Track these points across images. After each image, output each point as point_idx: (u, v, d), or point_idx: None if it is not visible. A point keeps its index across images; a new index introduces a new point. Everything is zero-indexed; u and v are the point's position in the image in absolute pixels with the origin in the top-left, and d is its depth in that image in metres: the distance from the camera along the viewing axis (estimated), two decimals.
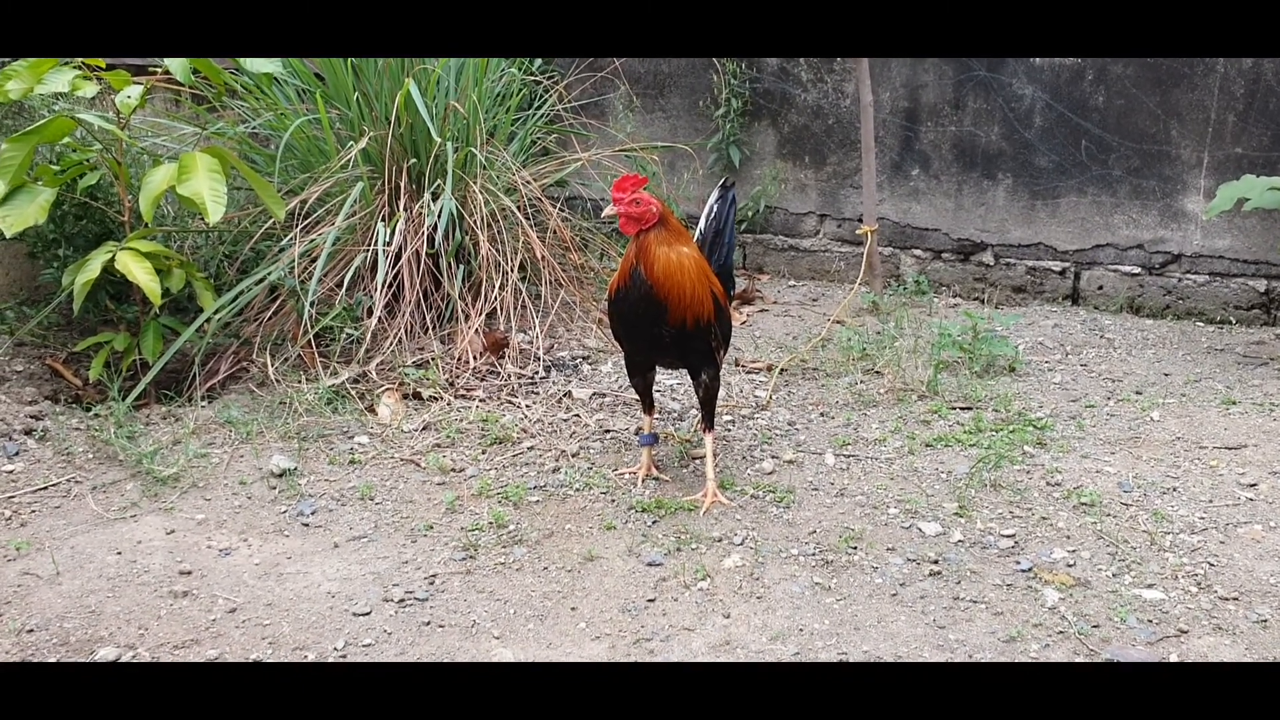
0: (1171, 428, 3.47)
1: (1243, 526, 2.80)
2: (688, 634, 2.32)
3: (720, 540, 2.72)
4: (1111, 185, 4.77)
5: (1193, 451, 3.28)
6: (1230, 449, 3.28)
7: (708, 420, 2.98)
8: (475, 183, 4.09)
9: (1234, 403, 3.67)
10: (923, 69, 5.00)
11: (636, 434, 3.40)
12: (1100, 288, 4.90)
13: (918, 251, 5.22)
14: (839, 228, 5.34)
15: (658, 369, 3.15)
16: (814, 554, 2.65)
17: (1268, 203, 3.93)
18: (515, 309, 4.00)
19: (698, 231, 3.06)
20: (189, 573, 2.56)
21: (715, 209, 3.09)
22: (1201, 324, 4.70)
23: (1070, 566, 2.61)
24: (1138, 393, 3.81)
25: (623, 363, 4.00)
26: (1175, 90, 4.58)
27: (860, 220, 5.23)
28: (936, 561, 2.62)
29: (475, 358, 3.84)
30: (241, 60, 3.47)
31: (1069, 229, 4.90)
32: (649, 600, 2.45)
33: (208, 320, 3.56)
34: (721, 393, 3.39)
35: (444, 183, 3.92)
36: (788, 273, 5.48)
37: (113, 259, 3.30)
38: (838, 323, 4.62)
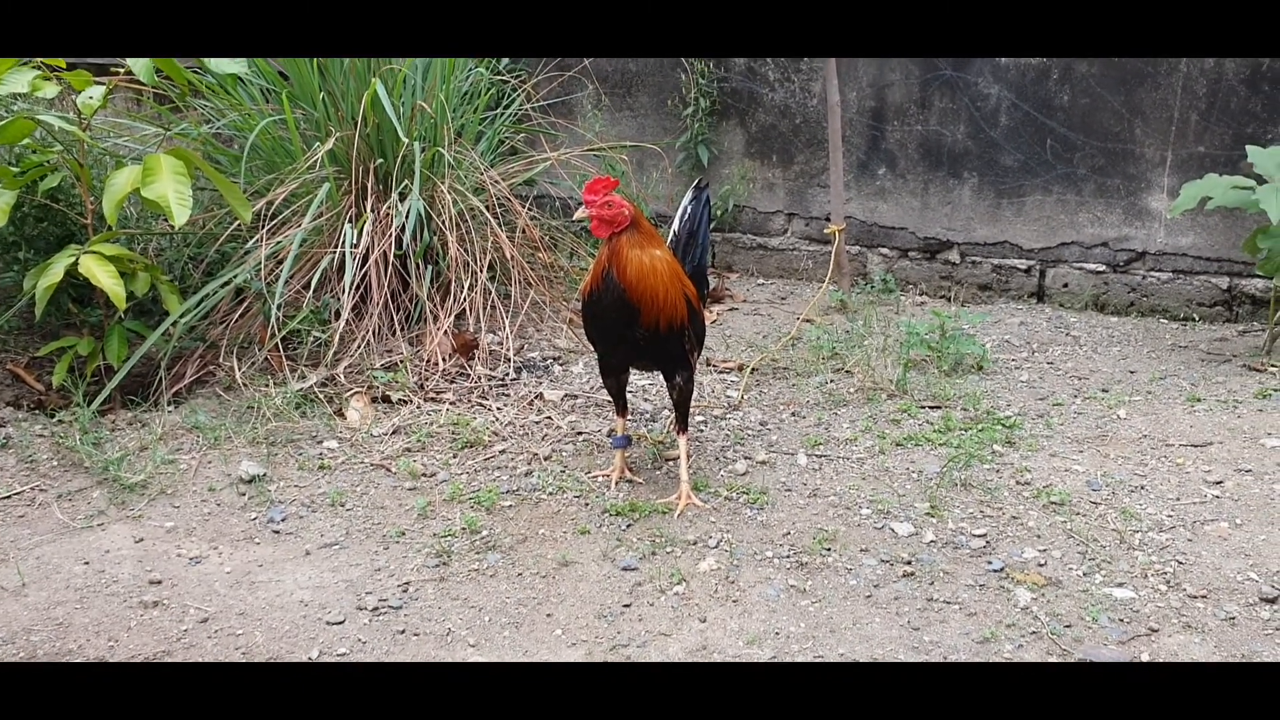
0: (1138, 425, 3.50)
1: (1210, 524, 2.83)
2: (664, 639, 2.32)
3: (695, 543, 2.72)
4: (1076, 184, 4.82)
5: (1159, 449, 3.31)
6: (1196, 446, 3.32)
7: (681, 422, 2.98)
8: (443, 183, 4.06)
9: (1199, 400, 3.71)
10: (889, 69, 5.02)
11: (608, 435, 3.39)
12: (1065, 285, 4.94)
13: (884, 250, 5.24)
14: (807, 226, 5.36)
15: (631, 371, 3.14)
16: (789, 556, 2.66)
17: (1231, 201, 3.98)
18: (484, 310, 3.98)
19: (671, 233, 3.06)
20: (159, 582, 2.52)
21: (689, 210, 3.08)
22: (1166, 321, 4.75)
23: (1041, 566, 2.63)
24: (1104, 390, 3.85)
25: (594, 364, 4.00)
26: (1139, 89, 4.63)
27: (828, 219, 5.24)
28: (910, 562, 2.63)
29: (444, 360, 3.82)
30: (206, 61, 3.42)
31: (1034, 227, 4.94)
32: (625, 605, 2.44)
33: (174, 324, 3.51)
34: (694, 393, 3.39)
35: (411, 183, 3.89)
36: (756, 271, 5.49)
37: (76, 263, 3.25)
38: (807, 321, 4.63)
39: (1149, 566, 2.62)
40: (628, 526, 2.81)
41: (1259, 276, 4.59)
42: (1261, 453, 3.25)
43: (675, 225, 3.09)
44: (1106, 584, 2.54)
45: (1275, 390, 3.76)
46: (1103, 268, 4.86)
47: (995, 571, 2.60)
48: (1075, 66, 4.71)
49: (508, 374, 3.83)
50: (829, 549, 2.69)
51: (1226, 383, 3.91)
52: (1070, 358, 4.26)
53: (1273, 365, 4.06)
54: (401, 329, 3.92)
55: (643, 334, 2.76)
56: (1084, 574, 2.59)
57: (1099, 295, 4.89)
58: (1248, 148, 4.08)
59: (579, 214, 2.70)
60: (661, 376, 3.00)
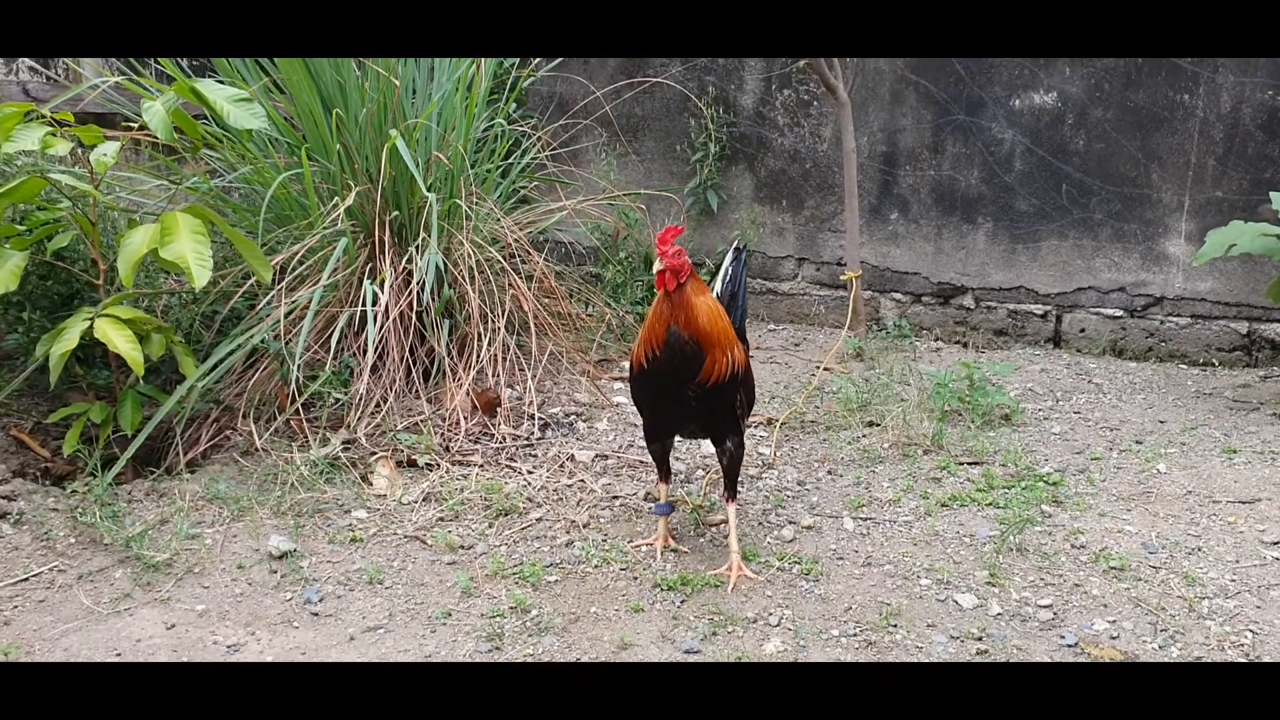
0: (1180, 480, 3.44)
1: (1275, 589, 2.77)
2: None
3: (755, 621, 2.61)
4: (1093, 228, 4.79)
5: (1207, 507, 3.25)
6: (1244, 503, 3.27)
7: (730, 490, 2.88)
8: (461, 234, 3.96)
9: (1235, 451, 3.67)
10: (900, 113, 4.98)
11: (645, 499, 3.29)
12: (1082, 330, 4.90)
13: (897, 295, 5.19)
14: (817, 271, 5.30)
15: (677, 437, 3.04)
16: (855, 634, 2.56)
17: (1258, 248, 3.95)
18: (504, 363, 3.87)
19: (714, 293, 2.97)
20: None
21: (730, 271, 3.02)
22: (1185, 366, 4.72)
23: (1114, 639, 2.55)
24: (1138, 442, 3.80)
25: (620, 420, 3.90)
26: (1155, 134, 4.61)
27: (839, 264, 5.19)
28: (980, 638, 2.54)
29: (466, 418, 3.70)
30: (222, 114, 3.30)
31: (1050, 272, 4.90)
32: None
33: (190, 389, 3.37)
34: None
35: (429, 236, 3.78)
36: (766, 316, 5.42)
37: (90, 326, 3.11)
38: (826, 370, 4.56)
39: (1224, 638, 2.54)
40: (682, 602, 2.70)
41: (1279, 321, 4.57)
42: None
43: (718, 285, 3.01)
44: (1185, 658, 2.46)
45: None
46: (1120, 313, 4.83)
47: (1069, 646, 2.51)
48: (1090, 111, 4.69)
49: (532, 432, 3.72)
50: (895, 625, 2.60)
51: (1259, 433, 3.87)
52: (1096, 406, 4.21)
53: None
54: (421, 387, 3.80)
55: (698, 390, 2.65)
56: (1159, 647, 2.51)
57: (1117, 340, 4.85)
58: (1271, 194, 4.07)
59: (656, 266, 2.59)
60: (711, 443, 2.90)
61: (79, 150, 3.52)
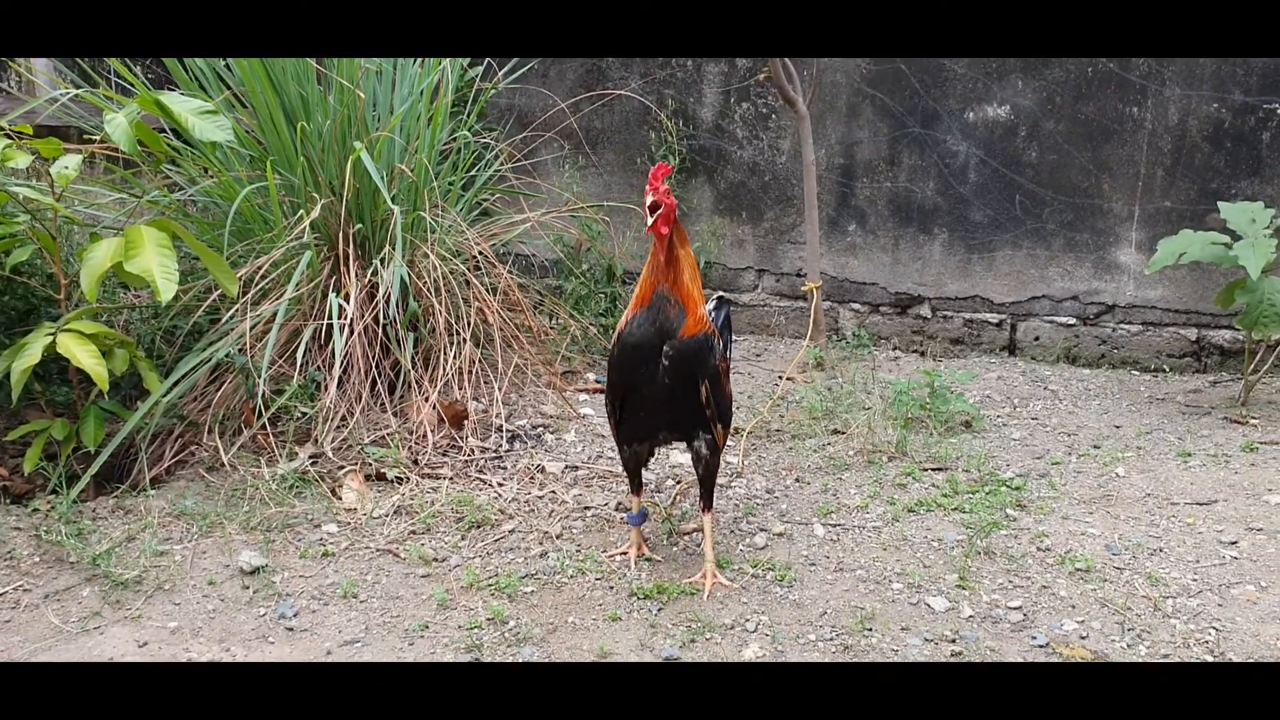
0: (1138, 483, 3.52)
1: (1235, 587, 2.84)
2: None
3: (733, 627, 2.63)
4: (1046, 238, 4.89)
5: (1166, 509, 3.33)
6: (1201, 504, 3.35)
7: (706, 499, 2.90)
8: (425, 246, 3.95)
9: (1190, 454, 3.76)
10: (858, 126, 5.05)
11: (617, 510, 3.30)
12: (1037, 339, 5.00)
13: (856, 305, 5.25)
14: (777, 282, 5.35)
15: (652, 448, 3.05)
16: (831, 639, 2.59)
17: (1208, 256, 4.06)
18: (469, 376, 3.86)
19: None
20: None
21: (714, 318, 3.02)
22: (1137, 373, 4.83)
23: (1084, 639, 2.60)
24: (1095, 447, 3.88)
25: (588, 431, 3.91)
26: (1106, 146, 4.72)
27: (799, 275, 5.24)
28: (954, 640, 2.58)
29: (433, 431, 3.68)
30: (188, 127, 3.27)
31: (1005, 282, 4.99)
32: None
33: (155, 404, 3.33)
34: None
35: (393, 249, 3.76)
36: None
37: (53, 341, 3.07)
38: (789, 380, 4.60)
39: (1189, 635, 2.60)
40: (659, 610, 2.72)
41: (1227, 328, 4.69)
42: (1268, 510, 3.28)
43: None
44: (1152, 655, 2.52)
45: (1262, 443, 3.83)
46: (1073, 321, 4.93)
47: (1040, 647, 2.56)
48: (1042, 124, 4.79)
49: (500, 444, 3.72)
50: (870, 629, 2.63)
51: (1212, 436, 3.96)
52: (1053, 413, 4.29)
53: (1252, 417, 4.14)
54: (387, 400, 3.78)
55: (674, 352, 2.66)
56: (1128, 645, 2.57)
57: (1070, 348, 4.95)
58: (1219, 204, 4.18)
59: (649, 200, 2.58)
60: (687, 450, 2.91)
61: (37, 163, 3.47)
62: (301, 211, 3.73)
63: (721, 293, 3.16)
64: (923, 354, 5.13)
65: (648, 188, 2.60)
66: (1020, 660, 2.50)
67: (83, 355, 3.04)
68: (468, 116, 4.55)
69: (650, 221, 2.60)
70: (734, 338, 5.25)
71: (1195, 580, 2.88)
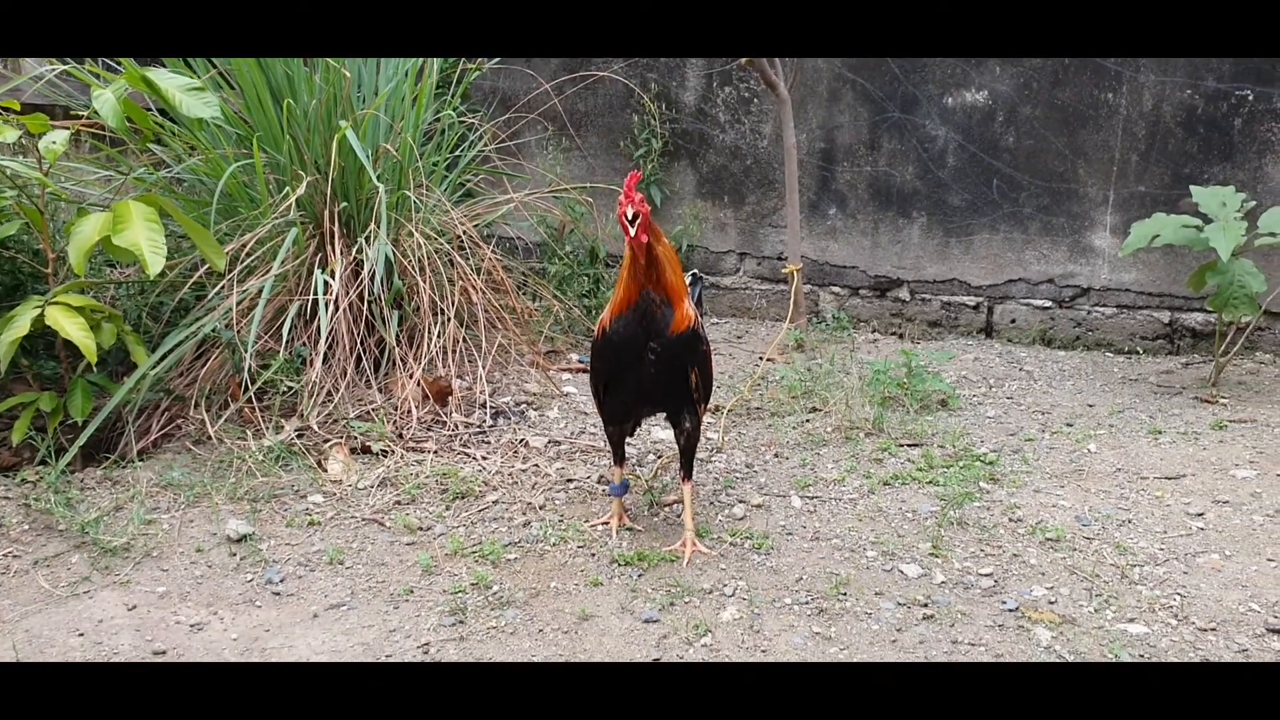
0: (1109, 459, 3.60)
1: (1201, 556, 2.91)
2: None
3: (712, 592, 2.69)
4: (1023, 222, 4.96)
5: (1136, 483, 3.41)
6: (1170, 479, 3.43)
7: (687, 469, 2.96)
8: (410, 225, 3.99)
9: (1160, 432, 3.84)
10: (838, 110, 5.11)
11: (599, 483, 3.35)
12: (1013, 321, 5.07)
13: (836, 288, 5.32)
14: (759, 265, 5.41)
15: (636, 424, 3.11)
16: (807, 602, 2.65)
17: (1180, 239, 4.14)
18: (453, 354, 3.91)
19: None
20: (163, 652, 2.40)
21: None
22: (1111, 355, 4.91)
23: (1052, 604, 2.67)
24: (1068, 424, 3.95)
25: (571, 408, 3.96)
26: (1081, 131, 4.80)
27: (780, 258, 5.31)
28: (926, 604, 2.65)
29: (417, 407, 3.73)
30: (175, 104, 3.31)
31: (982, 265, 5.06)
32: (654, 660, 2.40)
33: (142, 377, 3.36)
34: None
35: (378, 227, 3.81)
36: (709, 310, 5.51)
37: (41, 314, 3.10)
38: (769, 361, 4.66)
39: (1155, 601, 2.68)
40: (639, 576, 2.77)
41: (1199, 310, 4.78)
42: (1234, 484, 3.36)
43: None
44: (1119, 620, 2.59)
45: (1230, 421, 3.91)
46: (1049, 304, 5.01)
47: (1010, 611, 2.63)
48: (1019, 109, 4.86)
49: (484, 420, 3.77)
50: (845, 594, 2.69)
51: (1182, 414, 4.05)
52: (1028, 392, 4.37)
53: (1222, 397, 4.22)
54: (372, 376, 3.82)
55: (661, 349, 2.71)
56: (1095, 610, 2.64)
57: (1046, 330, 5.03)
58: (1192, 188, 4.26)
59: (629, 213, 2.60)
60: (670, 424, 2.97)
61: (24, 139, 3.49)
62: (287, 189, 3.76)
63: (696, 270, 3.20)
64: (901, 336, 5.21)
65: (623, 199, 2.60)
66: (990, 625, 2.57)
67: (70, 327, 3.08)
68: (452, 97, 4.59)
69: (632, 233, 2.62)
70: (715, 320, 5.33)
71: (1162, 549, 2.95)
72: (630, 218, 2.58)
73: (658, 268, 2.68)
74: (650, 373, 2.75)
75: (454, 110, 4.50)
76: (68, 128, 3.26)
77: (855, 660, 2.41)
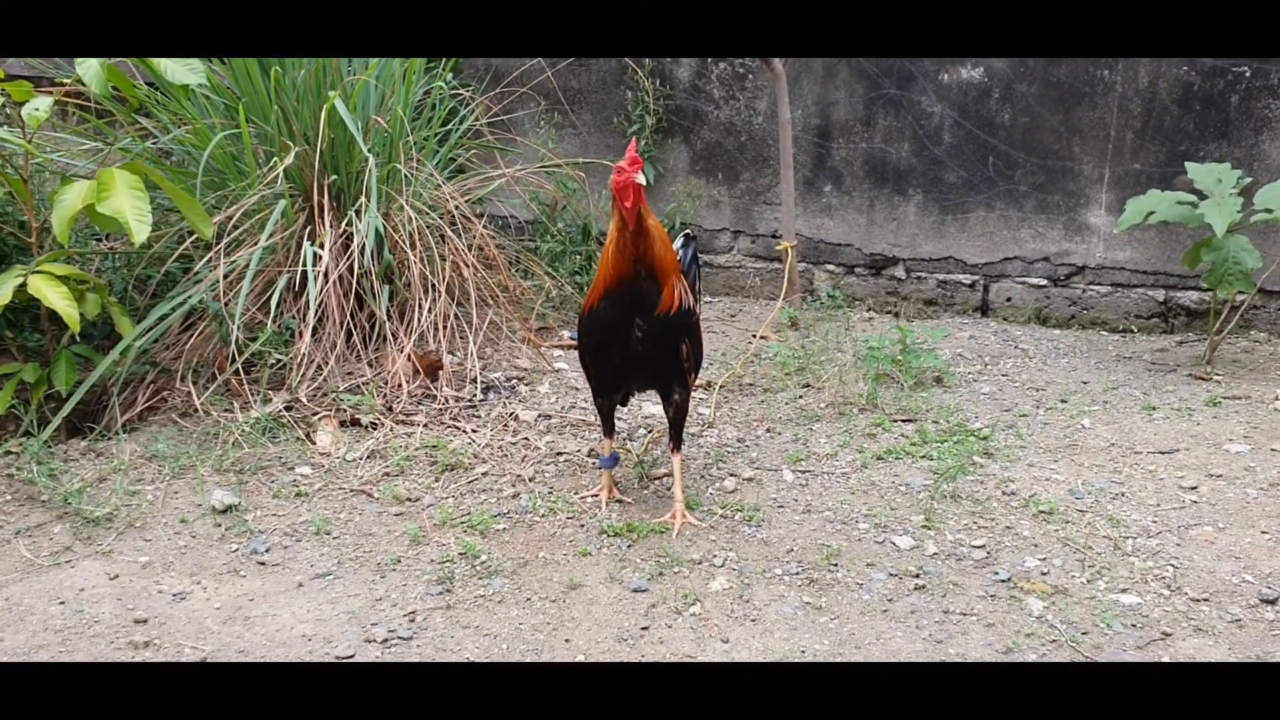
0: (1104, 434, 3.58)
1: (1194, 529, 2.89)
2: (690, 662, 2.27)
3: (701, 562, 2.67)
4: (1018, 200, 4.93)
5: (1129, 457, 3.38)
6: (1164, 453, 3.40)
7: (676, 441, 2.93)
8: (400, 198, 3.95)
9: (1154, 408, 3.81)
10: (834, 87, 5.07)
11: (589, 456, 3.32)
12: (1009, 299, 5.04)
13: (831, 266, 5.28)
14: (753, 244, 5.37)
15: (627, 395, 3.08)
16: (798, 573, 2.63)
17: (1174, 216, 4.11)
18: (444, 330, 3.88)
19: None
20: (145, 621, 2.37)
21: (681, 256, 3.05)
22: (1106, 333, 4.89)
23: (1045, 575, 2.65)
24: (1063, 401, 3.93)
25: (562, 383, 3.94)
26: (1077, 108, 4.76)
27: (774, 236, 5.27)
28: (918, 575, 2.63)
29: (408, 381, 3.70)
30: (160, 71, 3.27)
31: (978, 243, 5.03)
32: (643, 628, 2.38)
33: (126, 348, 3.33)
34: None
35: (368, 200, 3.77)
36: (703, 288, 5.47)
37: (24, 283, 3.06)
38: (762, 338, 4.63)
39: (1148, 572, 2.66)
40: (628, 547, 2.75)
41: (1194, 289, 4.75)
42: (1228, 458, 3.34)
43: None
44: (1111, 590, 2.57)
45: (1225, 398, 3.89)
46: (1044, 282, 4.98)
47: (1003, 582, 2.61)
48: (1015, 86, 4.83)
49: (475, 395, 3.73)
50: (836, 564, 2.67)
51: (1176, 391, 4.02)
52: (1023, 370, 4.34)
53: (1216, 374, 4.20)
54: (362, 350, 3.79)
55: (651, 326, 2.67)
56: (1087, 581, 2.62)
57: (1041, 309, 5.00)
58: (1187, 164, 4.23)
59: (639, 179, 2.56)
60: (659, 395, 2.94)
61: (8, 108, 3.45)
62: (275, 159, 3.72)
63: (689, 230, 3.17)
64: (897, 315, 5.18)
65: (627, 163, 2.57)
66: (982, 595, 2.55)
67: (54, 296, 3.04)
68: (443, 70, 4.55)
69: (629, 205, 2.58)
70: (709, 299, 5.30)
71: (1155, 522, 2.93)
72: (640, 182, 2.55)
73: (647, 239, 2.64)
74: (639, 350, 2.73)
75: (445, 84, 4.46)
76: (51, 94, 3.22)
77: (848, 630, 2.39)
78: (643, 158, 5.09)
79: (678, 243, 3.05)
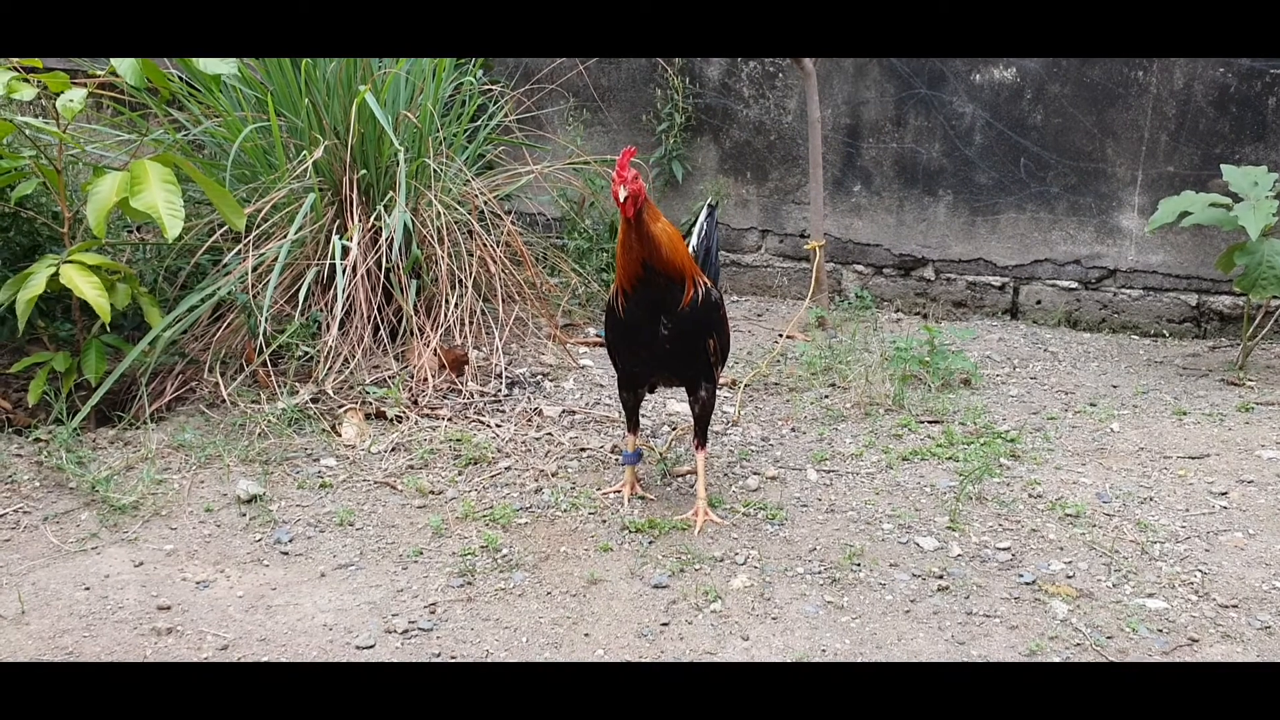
0: (1133, 438, 3.54)
1: (1224, 535, 2.86)
2: (710, 659, 2.26)
3: (723, 560, 2.66)
4: (1049, 202, 4.88)
5: (1158, 461, 3.35)
6: (1194, 458, 3.36)
7: (700, 437, 2.92)
8: (429, 194, 3.97)
9: (1185, 413, 3.77)
10: (864, 86, 5.05)
11: (613, 452, 3.32)
12: (1039, 302, 5.00)
13: (859, 267, 5.26)
14: (781, 243, 5.35)
15: (653, 385, 3.08)
16: (820, 572, 2.61)
17: (1208, 218, 4.06)
18: (470, 325, 3.89)
19: (690, 248, 3.00)
20: (168, 608, 2.39)
21: (704, 227, 3.05)
22: (1137, 337, 4.83)
23: (1070, 578, 2.62)
24: (1092, 404, 3.89)
25: (586, 380, 3.94)
26: (1111, 110, 4.72)
27: (803, 235, 5.25)
28: (942, 576, 2.60)
29: (433, 375, 3.71)
30: (193, 61, 3.29)
31: (1008, 245, 4.99)
32: (663, 624, 2.38)
33: (155, 338, 3.36)
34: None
35: (396, 194, 3.78)
36: (730, 288, 5.47)
37: (56, 273, 3.09)
38: (789, 338, 4.62)
39: (1175, 577, 2.62)
40: (650, 543, 2.74)
41: (1227, 293, 4.70)
42: (1259, 464, 3.30)
43: (693, 241, 3.04)
44: (1137, 595, 2.54)
45: (1257, 404, 3.84)
46: (1075, 285, 4.93)
47: (1027, 584, 2.58)
48: (1048, 87, 4.78)
49: (500, 390, 3.74)
50: (859, 564, 2.65)
51: (1208, 396, 3.97)
52: (1052, 373, 4.30)
53: (1249, 379, 4.14)
54: (388, 344, 3.80)
55: (674, 323, 2.67)
56: (1113, 585, 2.59)
57: (1071, 312, 4.95)
58: (1222, 167, 4.18)
59: (621, 193, 2.57)
60: (685, 390, 2.93)
61: (43, 100, 3.49)
62: (305, 153, 3.74)
63: (711, 201, 3.17)
64: (925, 316, 5.14)
65: (616, 178, 2.56)
66: (1006, 597, 2.53)
67: (85, 286, 3.07)
68: (473, 67, 4.56)
69: (629, 208, 2.58)
70: (735, 298, 5.29)
71: (1184, 527, 2.90)
72: (623, 198, 2.56)
73: (653, 241, 2.63)
74: (665, 347, 2.73)
75: (474, 80, 4.47)
76: (85, 85, 3.25)
77: (869, 630, 2.37)
78: (671, 155, 5.11)
79: (701, 214, 3.05)
